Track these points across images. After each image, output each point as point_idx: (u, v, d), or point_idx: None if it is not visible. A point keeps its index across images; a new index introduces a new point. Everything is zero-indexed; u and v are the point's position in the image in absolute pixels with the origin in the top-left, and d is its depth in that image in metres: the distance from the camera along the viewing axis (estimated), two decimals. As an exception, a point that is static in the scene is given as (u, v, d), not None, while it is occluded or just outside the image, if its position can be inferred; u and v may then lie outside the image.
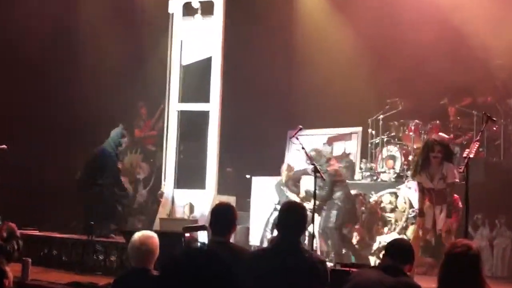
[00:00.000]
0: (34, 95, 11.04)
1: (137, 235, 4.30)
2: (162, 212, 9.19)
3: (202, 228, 3.97)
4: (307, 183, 8.71)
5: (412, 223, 8.68)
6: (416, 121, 9.53)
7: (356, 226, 8.99)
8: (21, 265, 6.68)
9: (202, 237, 3.95)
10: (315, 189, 6.86)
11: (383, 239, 8.81)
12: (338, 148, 10.61)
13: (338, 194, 8.52)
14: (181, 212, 9.19)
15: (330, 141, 10.70)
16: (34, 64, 10.85)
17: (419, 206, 7.20)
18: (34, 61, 10.81)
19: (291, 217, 4.17)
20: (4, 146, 8.15)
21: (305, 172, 8.89)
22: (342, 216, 8.47)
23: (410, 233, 8.64)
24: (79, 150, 9.96)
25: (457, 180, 6.90)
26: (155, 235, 4.35)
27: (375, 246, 8.96)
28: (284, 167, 9.11)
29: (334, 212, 8.45)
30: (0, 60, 10.61)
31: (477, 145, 5.96)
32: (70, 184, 9.22)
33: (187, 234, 3.95)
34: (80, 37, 11.43)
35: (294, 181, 9.03)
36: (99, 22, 11.25)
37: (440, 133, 8.48)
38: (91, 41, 11.33)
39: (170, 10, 9.30)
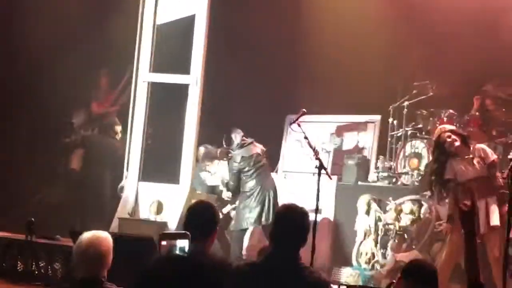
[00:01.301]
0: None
1: (85, 235, 4.28)
2: (122, 211, 9.16)
3: (183, 236, 3.96)
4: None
5: (438, 240, 8.70)
6: (450, 110, 9.52)
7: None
8: None
9: (182, 247, 3.96)
10: (318, 190, 6.88)
11: (400, 258, 8.82)
12: (349, 141, 10.66)
13: (250, 184, 8.86)
14: (146, 211, 9.16)
15: (340, 131, 10.75)
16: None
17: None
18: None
19: (288, 225, 4.16)
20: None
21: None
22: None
23: (435, 252, 8.68)
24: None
25: (495, 157, 7.31)
26: (108, 236, 4.33)
27: (389, 265, 8.97)
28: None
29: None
30: None
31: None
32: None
33: (163, 243, 3.93)
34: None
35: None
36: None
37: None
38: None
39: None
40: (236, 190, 8.97)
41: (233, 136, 8.82)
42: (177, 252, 3.98)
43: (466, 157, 7.38)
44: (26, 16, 11.18)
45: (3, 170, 11.11)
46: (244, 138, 8.98)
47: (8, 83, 11.23)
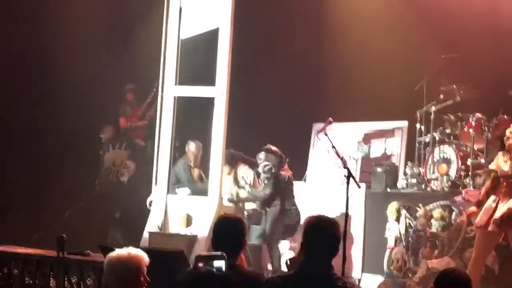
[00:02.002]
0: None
1: (118, 252, 4.27)
2: (152, 225, 9.15)
3: (219, 257, 3.96)
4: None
5: (471, 246, 8.60)
6: (478, 114, 9.46)
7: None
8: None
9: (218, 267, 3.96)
10: (347, 199, 6.83)
11: (432, 265, 8.77)
12: (377, 148, 10.62)
13: (275, 203, 9.21)
14: (176, 225, 9.15)
15: (367, 138, 10.71)
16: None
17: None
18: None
19: (320, 236, 4.18)
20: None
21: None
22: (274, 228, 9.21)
23: (467, 258, 8.59)
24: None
25: None
26: (140, 253, 4.31)
27: (421, 273, 8.89)
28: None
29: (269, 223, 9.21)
30: None
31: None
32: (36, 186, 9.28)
33: (200, 264, 3.92)
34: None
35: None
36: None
37: None
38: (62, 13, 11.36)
39: (165, -31, 9.27)
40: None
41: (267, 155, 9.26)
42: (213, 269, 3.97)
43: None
44: (55, 30, 11.27)
45: (33, 187, 11.18)
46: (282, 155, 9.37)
47: (35, 98, 11.31)
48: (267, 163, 9.27)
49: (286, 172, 9.38)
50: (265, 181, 9.32)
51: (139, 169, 11.62)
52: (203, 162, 9.74)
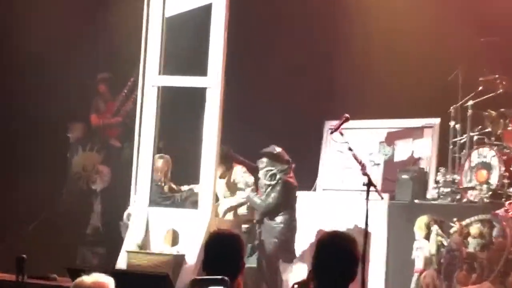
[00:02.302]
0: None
1: (83, 279, 4.30)
2: (131, 242, 9.21)
3: (219, 282, 4.02)
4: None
5: (516, 268, 8.70)
6: (525, 110, 9.54)
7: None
8: None
9: None
10: (367, 212, 6.87)
11: (469, 292, 8.82)
12: (403, 151, 10.69)
13: (281, 218, 9.28)
14: (159, 242, 9.21)
15: (391, 138, 10.78)
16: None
17: None
18: None
19: (333, 256, 4.27)
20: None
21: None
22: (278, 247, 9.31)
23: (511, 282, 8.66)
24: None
25: None
26: (109, 280, 4.33)
27: (455, 301, 8.98)
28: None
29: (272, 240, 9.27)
30: None
31: None
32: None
33: None
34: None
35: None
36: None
37: None
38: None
39: None
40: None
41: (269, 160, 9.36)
42: None
43: None
44: (22, 15, 11.42)
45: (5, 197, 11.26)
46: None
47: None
48: (271, 168, 9.32)
49: (293, 180, 9.46)
50: (269, 189, 9.35)
51: (115, 175, 11.68)
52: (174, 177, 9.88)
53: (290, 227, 9.32)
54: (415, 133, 10.72)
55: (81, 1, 11.76)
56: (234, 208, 9.71)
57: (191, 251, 8.64)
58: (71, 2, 11.59)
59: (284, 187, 9.30)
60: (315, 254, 4.30)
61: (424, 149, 10.58)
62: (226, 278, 4.10)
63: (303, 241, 9.68)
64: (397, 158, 10.59)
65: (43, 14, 11.32)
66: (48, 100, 11.42)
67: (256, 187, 9.72)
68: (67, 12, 11.48)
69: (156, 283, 6.63)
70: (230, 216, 9.65)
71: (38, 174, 11.58)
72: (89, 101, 12.22)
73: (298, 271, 9.47)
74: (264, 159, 9.42)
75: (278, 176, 9.30)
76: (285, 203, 9.33)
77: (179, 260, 8.57)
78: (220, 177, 9.67)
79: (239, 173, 9.79)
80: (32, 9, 11.39)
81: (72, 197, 11.89)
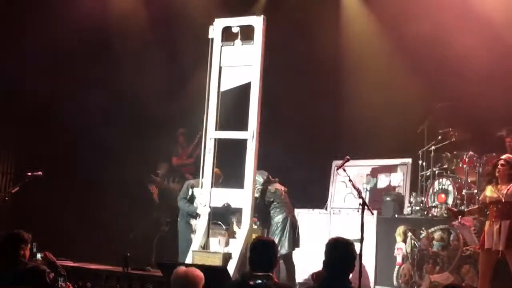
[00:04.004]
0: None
1: (181, 268, 4.36)
2: (196, 244, 9.16)
3: (265, 276, 4.02)
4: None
5: (466, 263, 8.59)
6: (471, 152, 9.42)
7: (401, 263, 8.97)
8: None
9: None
10: (362, 223, 6.85)
11: (434, 279, 8.74)
12: (383, 181, 10.59)
13: (278, 217, 8.87)
14: (215, 245, 9.17)
15: (375, 172, 10.69)
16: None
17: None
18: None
19: (338, 254, 4.26)
20: (39, 172, 8.45)
21: None
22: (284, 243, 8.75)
23: (464, 273, 8.58)
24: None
25: None
26: (198, 270, 4.39)
27: (424, 285, 8.86)
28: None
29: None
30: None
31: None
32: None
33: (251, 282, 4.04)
34: (120, 63, 11.75)
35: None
36: (139, 48, 11.65)
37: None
38: (131, 68, 11.67)
39: (210, 36, 9.40)
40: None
41: (256, 177, 8.85)
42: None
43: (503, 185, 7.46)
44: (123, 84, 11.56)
45: (107, 214, 11.31)
46: (269, 176, 9.20)
47: (103, 143, 11.48)
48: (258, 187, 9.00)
49: (275, 186, 9.15)
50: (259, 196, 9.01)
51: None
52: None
53: (288, 222, 8.97)
54: (391, 168, 10.61)
55: (170, 75, 11.88)
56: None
57: (236, 251, 8.58)
58: (163, 75, 11.75)
59: (262, 193, 9.07)
60: (325, 252, 4.32)
61: (397, 179, 10.45)
62: (270, 274, 4.11)
63: (319, 243, 9.48)
64: (379, 186, 10.42)
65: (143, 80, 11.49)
66: (149, 148, 11.65)
67: None
68: (159, 81, 11.70)
69: (218, 274, 6.62)
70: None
71: (134, 199, 11.73)
72: (171, 148, 12.28)
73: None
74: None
75: (258, 186, 8.99)
76: (269, 205, 9.05)
77: (227, 257, 8.37)
78: None
79: None
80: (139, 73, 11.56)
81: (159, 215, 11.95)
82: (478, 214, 8.12)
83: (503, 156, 7.74)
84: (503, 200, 7.40)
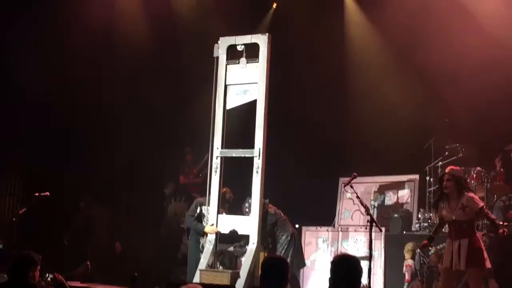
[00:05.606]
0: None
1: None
2: (203, 263, 9.15)
3: None
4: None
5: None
6: (478, 168, 9.39)
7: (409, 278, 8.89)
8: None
9: None
10: (371, 240, 6.82)
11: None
12: (390, 197, 10.57)
13: (285, 235, 8.92)
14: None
15: (382, 189, 10.66)
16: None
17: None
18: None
19: (344, 271, 4.21)
20: (47, 193, 8.49)
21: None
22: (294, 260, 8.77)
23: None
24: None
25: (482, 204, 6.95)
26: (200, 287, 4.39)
27: (435, 303, 8.79)
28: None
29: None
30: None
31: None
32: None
33: None
34: (124, 82, 11.84)
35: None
36: (143, 68, 11.71)
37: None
38: (136, 88, 11.74)
39: (215, 54, 9.45)
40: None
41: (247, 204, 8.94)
42: None
43: (454, 202, 7.16)
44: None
45: (120, 234, 11.31)
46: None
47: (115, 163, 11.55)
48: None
49: (271, 207, 9.22)
50: None
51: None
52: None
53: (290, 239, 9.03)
54: (399, 185, 10.58)
55: (175, 94, 11.97)
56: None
57: (243, 270, 8.56)
58: (168, 94, 11.83)
59: (263, 218, 8.93)
60: (330, 270, 4.27)
61: (405, 196, 10.42)
62: None
63: (327, 258, 9.52)
64: (387, 203, 10.39)
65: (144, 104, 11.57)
66: (159, 167, 11.66)
67: None
68: (164, 100, 11.77)
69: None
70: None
71: (144, 218, 11.74)
72: (178, 167, 12.31)
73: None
74: (247, 204, 9.20)
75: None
76: (266, 224, 9.07)
77: (235, 276, 8.42)
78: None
79: None
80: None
81: (168, 233, 11.92)
82: (440, 231, 7.83)
83: (447, 170, 7.33)
84: (456, 220, 7.15)
